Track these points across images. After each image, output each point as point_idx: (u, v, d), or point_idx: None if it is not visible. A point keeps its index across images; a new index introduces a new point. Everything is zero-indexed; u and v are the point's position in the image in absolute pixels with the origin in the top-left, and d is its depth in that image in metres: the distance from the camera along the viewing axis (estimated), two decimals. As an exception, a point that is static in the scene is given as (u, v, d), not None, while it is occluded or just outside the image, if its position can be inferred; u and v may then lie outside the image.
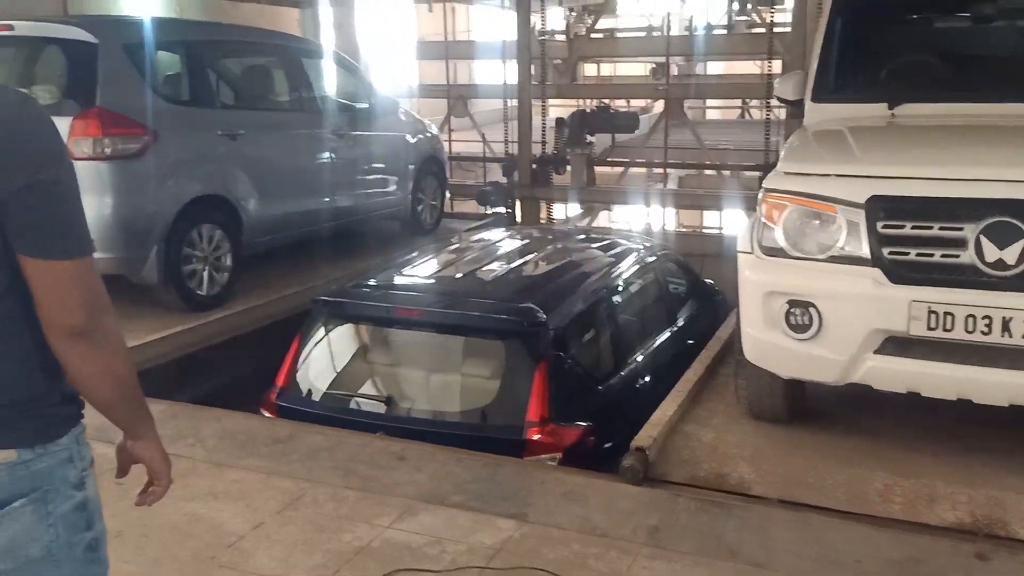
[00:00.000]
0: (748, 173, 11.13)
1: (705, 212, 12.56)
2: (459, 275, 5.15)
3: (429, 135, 8.89)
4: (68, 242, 1.49)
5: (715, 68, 16.95)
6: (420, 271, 5.38)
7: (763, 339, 3.64)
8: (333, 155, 7.38)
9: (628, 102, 14.38)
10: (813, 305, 3.45)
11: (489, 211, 9.76)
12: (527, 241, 6.25)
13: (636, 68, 15.80)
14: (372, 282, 5.15)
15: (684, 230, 10.15)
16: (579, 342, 4.75)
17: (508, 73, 10.06)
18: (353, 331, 4.85)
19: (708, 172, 11.31)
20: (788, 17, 12.69)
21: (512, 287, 5.01)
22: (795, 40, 8.46)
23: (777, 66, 9.44)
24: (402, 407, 4.45)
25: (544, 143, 9.95)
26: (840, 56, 4.66)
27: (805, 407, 4.15)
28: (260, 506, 3.55)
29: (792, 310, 3.49)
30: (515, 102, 9.77)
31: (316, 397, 4.60)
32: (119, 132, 5.40)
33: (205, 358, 5.75)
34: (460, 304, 4.68)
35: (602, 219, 12.12)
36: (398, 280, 5.21)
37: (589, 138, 9.78)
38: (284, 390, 4.65)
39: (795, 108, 4.93)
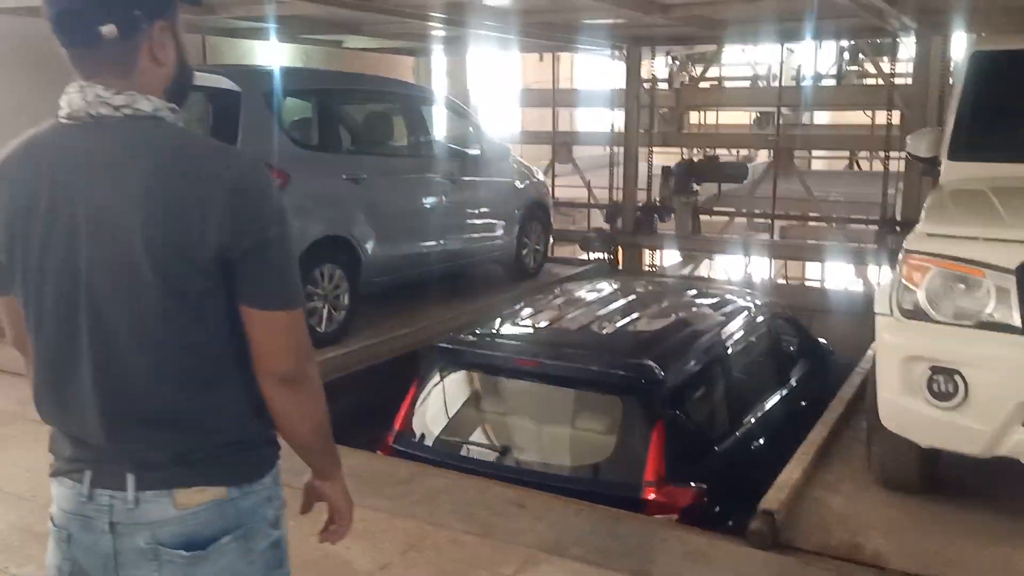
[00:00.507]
0: (858, 226, 10.91)
1: (807, 264, 12.35)
2: (574, 327, 5.16)
3: (536, 181, 9.00)
4: (286, 295, 1.58)
5: (821, 118, 16.68)
6: (533, 321, 5.40)
7: (902, 405, 3.52)
8: (446, 199, 7.55)
9: (729, 151, 14.29)
10: (958, 373, 3.33)
11: (591, 257, 9.78)
12: (635, 293, 6.21)
13: (739, 117, 15.69)
14: (488, 331, 5.20)
15: (790, 283, 9.95)
16: (694, 401, 4.69)
17: (613, 121, 10.12)
18: (469, 379, 4.89)
19: (812, 224, 11.11)
20: (901, 67, 12.50)
21: (627, 342, 4.97)
22: (916, 93, 8.28)
23: (894, 117, 9.24)
24: (515, 457, 4.46)
25: (649, 191, 9.96)
26: (979, 114, 4.54)
27: (938, 476, 3.99)
28: (386, 546, 3.60)
29: (935, 377, 3.38)
30: (620, 149, 9.81)
31: (430, 442, 4.66)
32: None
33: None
34: (577, 357, 4.68)
35: (703, 268, 12.00)
36: (513, 330, 5.25)
37: (695, 187, 9.73)
38: (400, 434, 4.73)
39: (928, 165, 4.81)
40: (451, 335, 5.16)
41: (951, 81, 8.87)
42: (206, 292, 1.52)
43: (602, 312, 5.46)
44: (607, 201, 10.29)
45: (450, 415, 4.80)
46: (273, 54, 8.62)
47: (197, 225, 1.47)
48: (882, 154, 8.86)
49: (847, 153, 16.33)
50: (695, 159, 9.84)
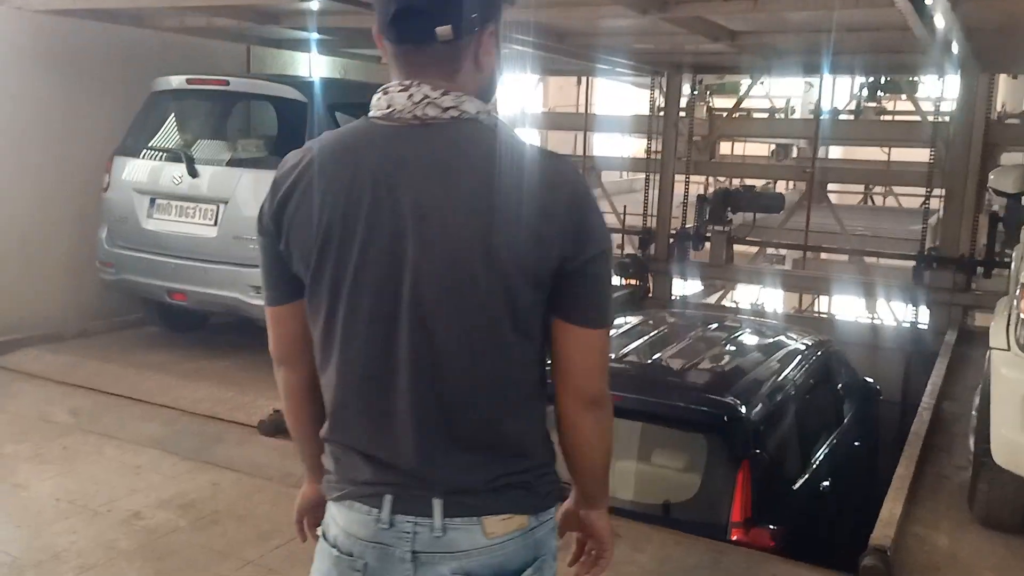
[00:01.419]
0: (888, 262, 10.91)
1: (822, 297, 12.31)
2: (644, 361, 5.07)
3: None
4: (605, 312, 1.49)
5: (834, 152, 16.75)
6: (616, 353, 5.29)
7: (1019, 443, 3.45)
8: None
9: (743, 181, 14.29)
10: (1083, 410, 3.27)
11: (623, 283, 9.71)
12: (691, 328, 6.11)
13: (757, 148, 15.74)
14: None
15: (817, 315, 9.92)
16: (773, 440, 4.60)
17: (634, 147, 10.07)
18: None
19: (825, 256, 11.08)
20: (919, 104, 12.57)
21: (702, 378, 4.87)
22: (962, 129, 8.30)
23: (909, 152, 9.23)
24: None
25: (684, 217, 9.92)
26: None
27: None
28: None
29: (1058, 414, 3.31)
30: (638, 175, 9.79)
31: None
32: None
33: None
34: (656, 393, 4.59)
35: (727, 298, 11.96)
36: None
37: (730, 215, 9.70)
38: None
39: (1013, 200, 4.79)
40: None
41: (995, 116, 8.93)
42: (532, 306, 1.42)
43: (668, 347, 5.36)
44: (633, 227, 10.23)
45: None
46: (314, 66, 8.55)
47: (541, 236, 1.38)
48: (923, 190, 8.81)
49: (861, 188, 16.42)
50: (728, 188, 9.82)
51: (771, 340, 5.87)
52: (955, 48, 6.41)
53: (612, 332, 5.80)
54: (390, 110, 1.44)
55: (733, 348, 5.54)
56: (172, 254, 5.79)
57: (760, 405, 4.51)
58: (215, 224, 5.65)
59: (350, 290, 1.44)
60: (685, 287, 11.26)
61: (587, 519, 1.67)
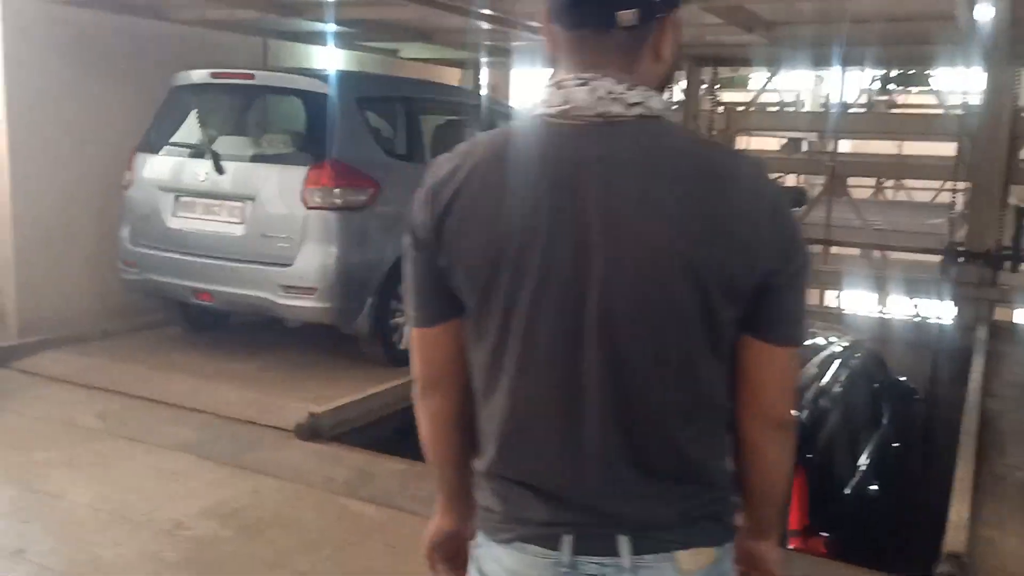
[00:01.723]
0: (899, 255, 10.79)
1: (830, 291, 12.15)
2: None
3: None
4: (801, 328, 1.35)
5: (843, 146, 16.60)
6: None
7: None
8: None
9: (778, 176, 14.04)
10: None
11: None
12: None
13: (766, 143, 15.61)
14: None
15: (848, 312, 9.77)
16: (822, 444, 4.49)
17: None
18: None
19: (834, 251, 10.93)
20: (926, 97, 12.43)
21: None
22: (987, 122, 8.17)
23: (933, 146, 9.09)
24: None
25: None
26: None
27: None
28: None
29: None
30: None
31: None
32: (350, 184, 5.42)
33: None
34: None
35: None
36: None
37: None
38: None
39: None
40: None
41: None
42: (729, 324, 1.28)
43: None
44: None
45: None
46: (330, 59, 8.39)
47: (746, 247, 1.24)
48: (948, 184, 8.70)
49: (871, 181, 16.28)
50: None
51: (813, 343, 5.74)
52: (987, 39, 6.30)
53: None
54: (567, 107, 1.28)
55: None
56: (198, 253, 5.65)
57: (807, 409, 4.40)
58: (242, 222, 5.51)
59: (528, 308, 1.29)
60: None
61: (756, 551, 1.52)
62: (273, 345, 6.23)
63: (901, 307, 10.11)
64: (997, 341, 7.41)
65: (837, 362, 5.23)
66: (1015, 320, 9.34)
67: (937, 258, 8.86)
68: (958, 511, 3.75)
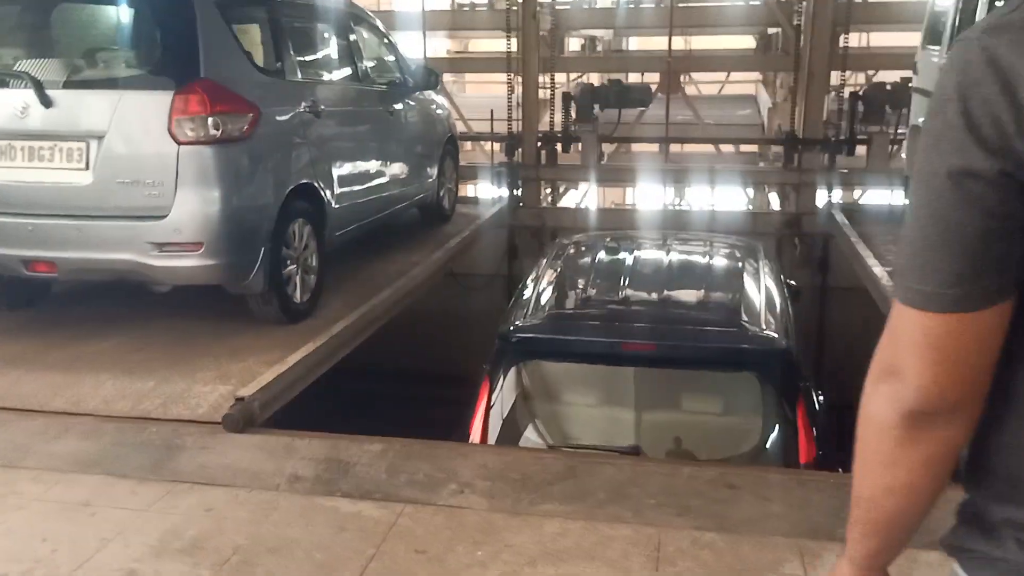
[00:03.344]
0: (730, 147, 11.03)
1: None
2: (647, 297, 4.53)
3: (446, 110, 8.09)
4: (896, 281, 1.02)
5: (633, 43, 16.75)
6: (594, 294, 4.66)
7: None
8: (389, 134, 6.54)
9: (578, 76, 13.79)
10: None
11: (498, 194, 9.07)
12: (652, 248, 5.59)
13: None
14: (559, 311, 4.37)
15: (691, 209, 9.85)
16: (805, 367, 4.29)
17: (510, 44, 9.16)
18: (562, 372, 4.15)
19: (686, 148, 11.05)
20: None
21: (723, 310, 4.38)
22: (816, 11, 8.32)
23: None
24: (649, 456, 3.82)
25: (552, 119, 9.34)
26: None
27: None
28: (632, 565, 2.86)
29: None
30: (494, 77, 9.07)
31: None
32: (228, 110, 4.39)
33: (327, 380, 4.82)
34: (688, 334, 4.09)
35: (568, 200, 11.62)
36: (587, 308, 4.48)
37: (596, 113, 9.26)
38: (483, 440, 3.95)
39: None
40: (516, 322, 4.24)
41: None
42: None
43: (640, 279, 4.84)
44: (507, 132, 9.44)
45: (547, 418, 4.06)
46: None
47: None
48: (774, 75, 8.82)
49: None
50: (592, 84, 9.35)
51: (723, 255, 5.50)
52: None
53: (548, 268, 5.21)
54: None
55: (703, 270, 5.09)
56: (26, 212, 4.41)
57: (786, 331, 4.15)
58: (87, 167, 4.33)
59: None
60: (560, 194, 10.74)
61: None
62: (120, 317, 5.12)
63: (737, 200, 10.37)
64: (857, 224, 7.66)
65: (765, 274, 5.01)
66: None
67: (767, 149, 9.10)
68: None
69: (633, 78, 10.58)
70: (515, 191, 9.01)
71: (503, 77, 9.23)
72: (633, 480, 3.36)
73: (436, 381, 8.96)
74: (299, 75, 5.21)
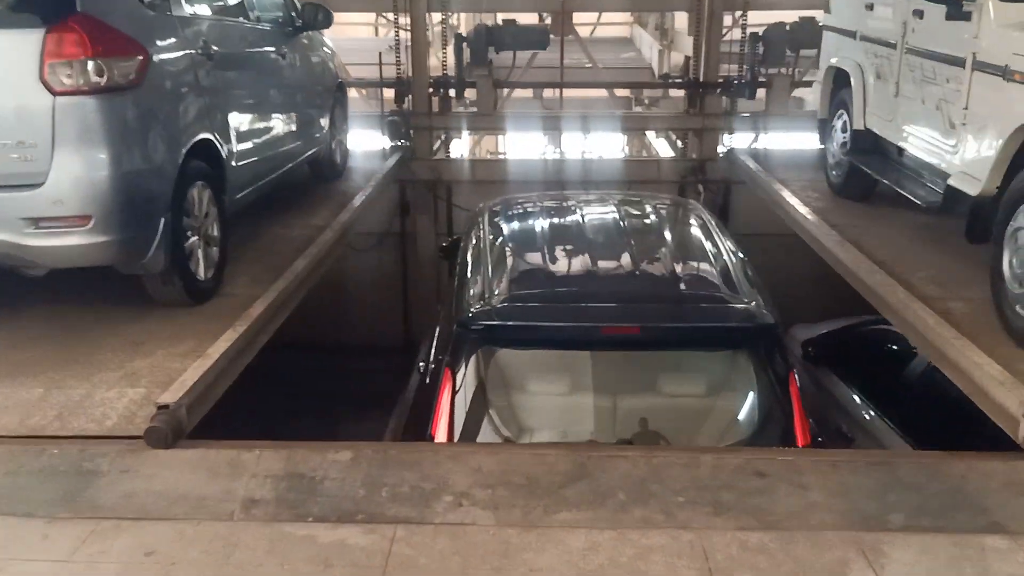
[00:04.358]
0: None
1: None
2: (611, 271, 4.08)
3: (334, 53, 7.30)
4: None
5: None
6: (555, 269, 4.17)
7: None
8: (283, 81, 5.76)
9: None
10: None
11: (392, 145, 8.38)
12: (597, 213, 5.09)
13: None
14: (530, 292, 3.83)
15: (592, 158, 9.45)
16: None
17: None
18: (535, 359, 3.68)
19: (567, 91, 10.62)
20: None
21: (695, 282, 3.97)
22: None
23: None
24: (636, 441, 3.44)
25: (444, 63, 8.68)
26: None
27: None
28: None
29: None
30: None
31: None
32: (112, 51, 3.59)
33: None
34: (678, 313, 3.69)
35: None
36: (549, 286, 3.97)
37: (491, 56, 8.67)
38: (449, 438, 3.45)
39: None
40: (475, 307, 3.68)
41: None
42: None
43: (609, 245, 4.39)
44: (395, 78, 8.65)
45: (522, 411, 3.60)
46: None
47: None
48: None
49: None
50: (487, 25, 8.73)
51: (670, 215, 5.13)
52: None
53: (488, 240, 4.62)
54: None
55: (659, 235, 4.67)
56: None
57: (767, 303, 3.83)
58: (-69, 126, 3.43)
59: None
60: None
61: None
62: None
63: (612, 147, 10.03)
64: (770, 170, 7.51)
65: (718, 237, 4.66)
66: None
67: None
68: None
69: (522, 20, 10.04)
70: (405, 142, 8.33)
71: (370, 18, 8.44)
72: (653, 475, 2.96)
73: (344, 351, 8.36)
74: (186, 9, 4.38)
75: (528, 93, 11.60)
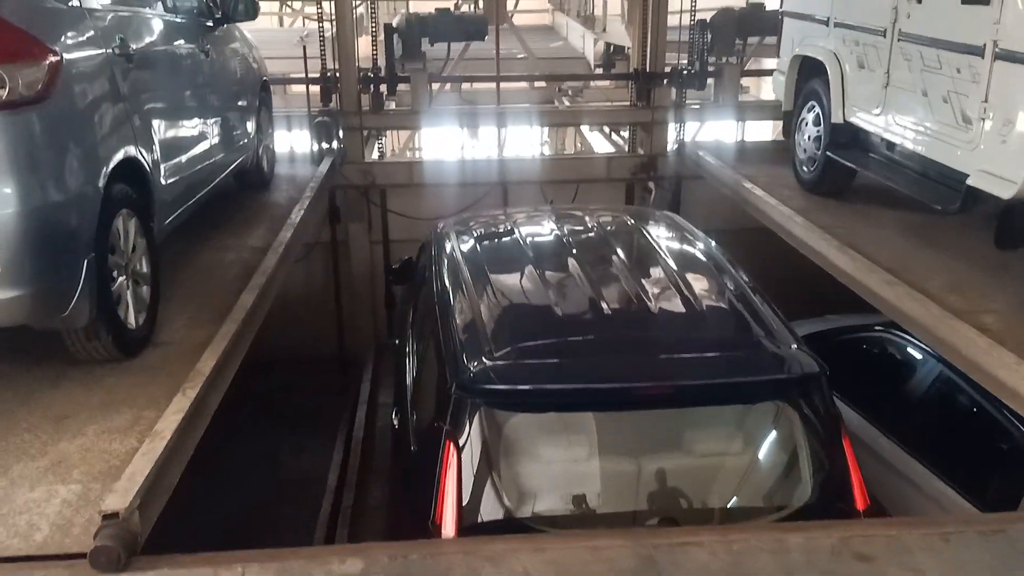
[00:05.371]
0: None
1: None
2: (641, 309, 3.50)
3: (255, 48, 6.52)
4: None
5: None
6: (566, 309, 3.53)
7: None
8: (209, 81, 5.00)
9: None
10: None
11: (322, 147, 7.62)
12: (574, 235, 4.49)
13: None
14: (538, 344, 3.21)
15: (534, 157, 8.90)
16: None
17: None
18: (551, 422, 3.10)
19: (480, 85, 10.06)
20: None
21: (727, 323, 3.49)
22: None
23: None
24: (680, 516, 2.96)
25: (375, 57, 7.96)
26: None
27: None
28: None
29: None
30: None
31: (528, 516, 2.96)
32: (16, 56, 2.83)
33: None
34: (716, 365, 3.18)
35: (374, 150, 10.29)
36: (575, 333, 3.35)
37: (425, 49, 8.01)
38: (469, 516, 2.88)
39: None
40: (474, 365, 3.06)
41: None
42: None
43: (612, 279, 3.79)
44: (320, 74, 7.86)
45: (545, 486, 3.05)
46: None
47: None
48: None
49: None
50: (420, 14, 8.04)
51: (666, 238, 4.56)
52: None
53: (462, 273, 3.91)
54: None
55: (664, 264, 4.07)
56: None
57: (799, 338, 3.37)
58: None
59: None
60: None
61: None
62: None
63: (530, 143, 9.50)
64: (726, 163, 7.13)
65: (719, 259, 4.19)
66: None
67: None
68: None
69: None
70: (336, 144, 7.58)
71: (273, 7, 7.63)
72: (736, 566, 2.44)
73: (277, 370, 7.60)
74: (95, 3, 3.60)
75: (446, 87, 10.96)
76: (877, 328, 5.53)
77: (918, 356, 4.91)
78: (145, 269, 3.78)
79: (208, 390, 3.32)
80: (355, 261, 8.23)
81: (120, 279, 3.49)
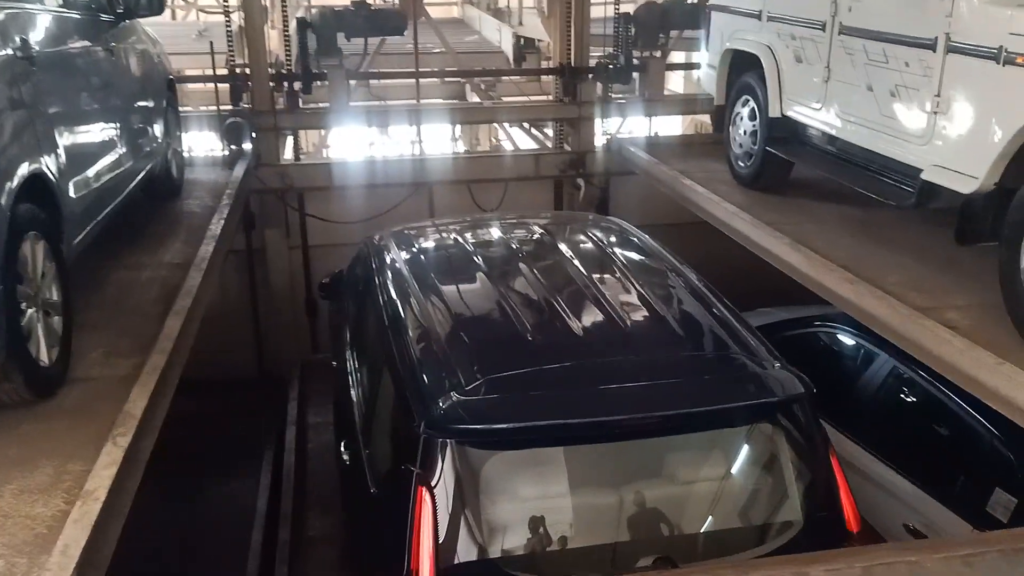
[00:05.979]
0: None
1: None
2: (615, 331, 3.30)
3: (159, 44, 6.03)
4: None
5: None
6: (536, 332, 3.27)
7: None
8: (114, 83, 4.54)
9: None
10: None
11: (230, 150, 7.15)
12: (526, 246, 4.26)
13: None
14: (511, 374, 2.97)
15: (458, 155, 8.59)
16: None
17: None
18: (534, 460, 2.88)
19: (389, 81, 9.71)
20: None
21: (711, 340, 3.35)
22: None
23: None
24: (675, 551, 2.78)
25: (290, 54, 7.51)
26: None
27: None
28: None
29: None
30: None
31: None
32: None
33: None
34: (703, 391, 3.01)
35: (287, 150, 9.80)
36: (549, 360, 3.08)
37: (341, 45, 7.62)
38: (449, 563, 2.64)
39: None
40: (443, 400, 2.81)
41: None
42: None
43: (575, 293, 3.57)
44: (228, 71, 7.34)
45: (530, 527, 2.80)
46: None
47: None
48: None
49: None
50: (336, 9, 7.63)
51: (618, 245, 4.39)
52: None
53: (411, 294, 3.59)
54: None
55: (623, 274, 3.88)
56: None
57: (778, 354, 3.25)
58: None
59: None
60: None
61: None
62: None
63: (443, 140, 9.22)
64: (664, 160, 7.01)
65: (677, 268, 4.05)
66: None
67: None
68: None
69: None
70: (245, 146, 7.12)
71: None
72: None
73: (193, 389, 7.05)
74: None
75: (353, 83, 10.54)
76: (817, 322, 5.51)
77: (870, 349, 4.88)
78: (56, 297, 3.35)
79: (141, 436, 2.94)
80: (273, 269, 7.78)
81: (30, 311, 3.07)
